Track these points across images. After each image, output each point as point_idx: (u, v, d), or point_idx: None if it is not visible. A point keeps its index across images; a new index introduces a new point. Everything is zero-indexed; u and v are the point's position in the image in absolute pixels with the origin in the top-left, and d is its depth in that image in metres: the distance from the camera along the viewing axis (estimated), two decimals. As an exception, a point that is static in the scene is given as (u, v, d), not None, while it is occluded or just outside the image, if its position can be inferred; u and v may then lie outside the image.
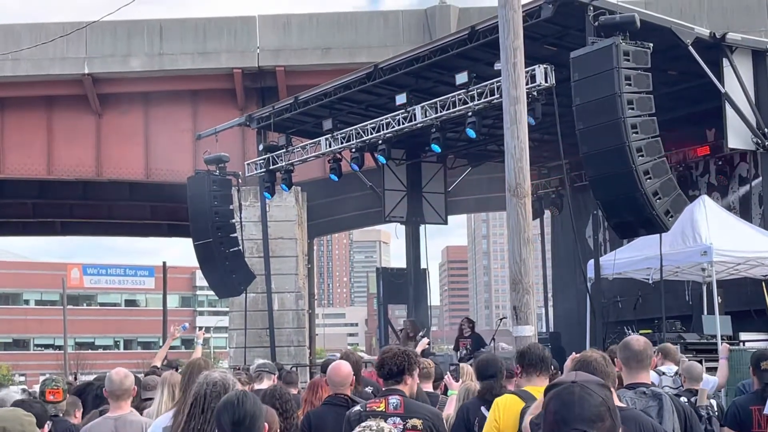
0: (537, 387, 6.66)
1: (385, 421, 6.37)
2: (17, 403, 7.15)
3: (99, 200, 41.18)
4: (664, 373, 9.83)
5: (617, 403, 5.56)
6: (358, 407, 6.74)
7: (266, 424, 4.55)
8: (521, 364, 6.83)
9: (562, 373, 6.65)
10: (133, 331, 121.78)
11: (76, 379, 18.46)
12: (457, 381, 9.50)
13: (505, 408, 6.56)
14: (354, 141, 24.02)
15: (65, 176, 35.53)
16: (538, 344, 7.07)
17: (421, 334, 21.88)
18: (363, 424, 4.21)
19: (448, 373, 10.82)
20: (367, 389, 9.24)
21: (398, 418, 6.39)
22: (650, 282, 20.15)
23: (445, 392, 10.78)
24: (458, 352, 23.19)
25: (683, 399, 8.06)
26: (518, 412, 6.34)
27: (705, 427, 8.44)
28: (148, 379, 8.92)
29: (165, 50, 33.48)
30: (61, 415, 7.90)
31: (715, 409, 8.85)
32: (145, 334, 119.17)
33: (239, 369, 10.56)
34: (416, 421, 6.38)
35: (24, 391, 17.87)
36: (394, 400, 6.58)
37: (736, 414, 8.13)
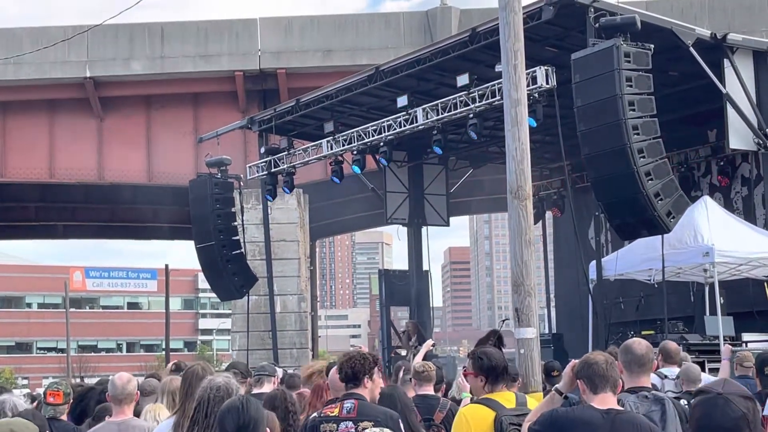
0: (502, 393, 6.54)
1: (338, 426, 6.41)
2: (20, 414, 7.19)
3: (101, 203, 41.21)
4: (666, 377, 9.80)
5: (616, 406, 5.59)
6: (315, 413, 6.77)
7: (268, 429, 4.55)
8: (484, 375, 6.60)
9: (559, 377, 6.60)
10: (136, 333, 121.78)
11: (83, 380, 18.47)
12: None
13: (473, 417, 6.43)
14: (355, 143, 24.03)
15: (67, 179, 35.57)
16: (497, 351, 6.89)
17: (416, 336, 21.88)
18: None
19: (461, 375, 10.79)
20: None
21: (350, 422, 6.44)
22: (652, 283, 20.14)
23: (445, 394, 10.76)
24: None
25: (683, 401, 8.06)
26: (489, 422, 6.26)
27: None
28: (145, 384, 8.90)
29: (166, 53, 33.52)
30: (60, 417, 7.91)
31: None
32: (148, 336, 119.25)
33: (235, 368, 10.48)
34: (367, 424, 6.36)
35: (28, 395, 17.85)
36: (348, 404, 6.60)
37: (739, 416, 8.12)
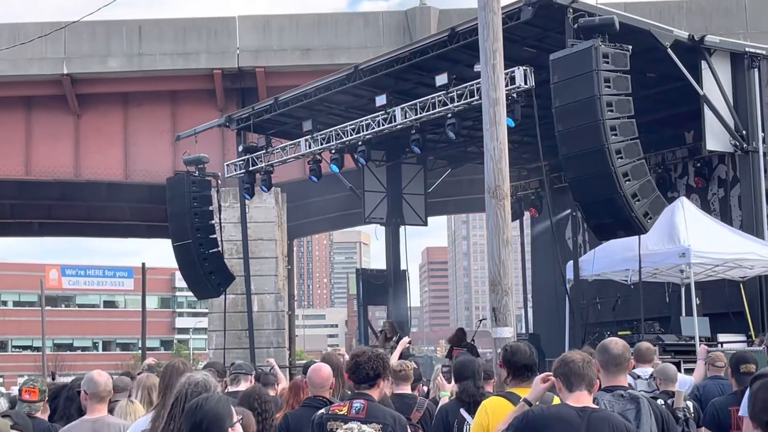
0: (523, 389, 6.61)
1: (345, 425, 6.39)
2: (4, 415, 7.15)
3: (77, 201, 40.99)
4: (639, 377, 9.84)
5: (591, 404, 5.60)
6: (322, 410, 6.74)
7: (237, 427, 4.51)
8: (508, 368, 6.79)
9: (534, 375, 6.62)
10: (112, 332, 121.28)
11: (54, 378, 18.30)
12: (450, 382, 9.48)
13: (493, 411, 6.54)
14: (334, 142, 24.00)
15: (44, 177, 35.37)
16: (525, 347, 7.01)
17: (397, 336, 21.86)
18: (345, 426, 4.17)
19: (440, 374, 10.80)
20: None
21: (358, 423, 6.41)
22: (629, 283, 20.21)
23: (427, 395, 10.77)
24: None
25: (660, 401, 8.08)
26: (507, 414, 6.31)
27: (682, 429, 8.45)
28: (118, 380, 8.87)
29: (144, 51, 33.38)
30: (36, 414, 7.86)
31: (692, 410, 8.87)
32: (124, 335, 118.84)
33: (211, 366, 10.45)
34: (375, 425, 6.35)
35: (6, 395, 17.71)
36: (357, 404, 6.59)
37: (715, 415, 8.17)
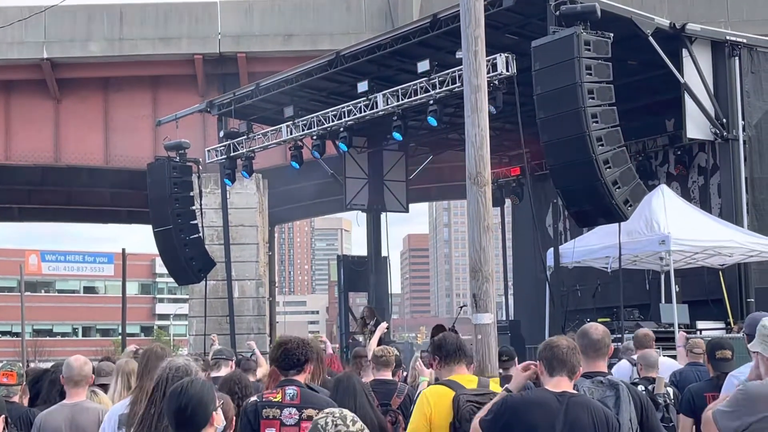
0: (462, 375, 6.67)
1: (281, 412, 6.39)
2: None
3: (57, 186, 40.83)
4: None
5: (570, 390, 5.62)
6: (254, 397, 6.74)
7: (219, 412, 4.50)
8: (438, 356, 6.78)
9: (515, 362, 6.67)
10: (92, 318, 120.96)
11: (28, 366, 18.20)
12: (429, 368, 9.50)
13: (435, 400, 6.52)
14: (315, 128, 23.97)
15: (23, 162, 35.20)
16: (452, 334, 7.06)
17: (374, 321, 21.85)
18: (325, 410, 4.15)
19: (419, 359, 10.82)
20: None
21: (294, 409, 6.42)
22: (609, 271, 20.29)
23: (405, 381, 10.79)
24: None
25: (641, 387, 8.12)
26: (449, 401, 6.34)
27: (662, 415, 8.51)
28: (103, 365, 8.88)
29: (125, 35, 33.22)
30: (13, 398, 7.83)
31: (672, 396, 8.92)
32: (104, 321, 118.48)
33: (197, 356, 10.49)
34: (312, 411, 6.37)
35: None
36: (290, 390, 6.58)
37: (691, 401, 8.21)
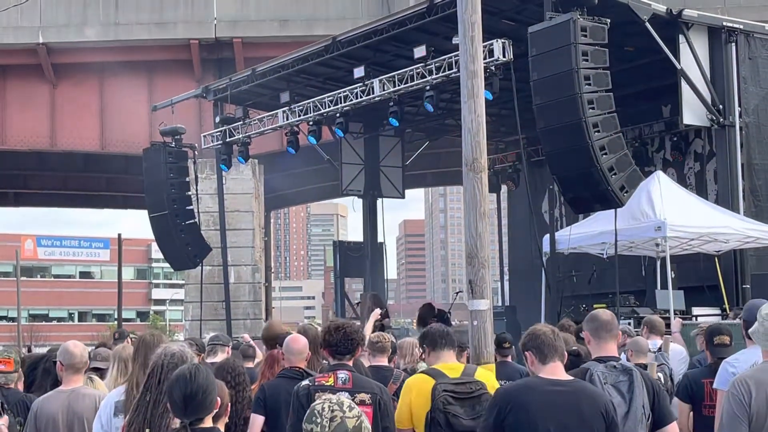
0: (448, 363, 6.73)
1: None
2: None
3: (53, 171, 40.78)
4: (649, 350, 9.88)
5: (565, 376, 5.62)
6: (306, 381, 6.76)
7: (218, 398, 4.52)
8: (425, 346, 6.90)
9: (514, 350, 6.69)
10: (88, 303, 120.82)
11: (30, 351, 18.20)
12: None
13: (416, 388, 6.60)
14: (311, 114, 23.94)
15: (19, 147, 35.12)
16: (439, 324, 7.17)
17: (381, 311, 21.79)
18: (323, 396, 4.18)
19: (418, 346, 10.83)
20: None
21: (347, 393, 6.41)
22: (605, 257, 20.30)
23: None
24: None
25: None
26: (429, 390, 6.39)
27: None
28: (100, 350, 8.86)
29: (121, 20, 33.11)
30: (11, 385, 7.82)
31: (663, 382, 8.93)
32: (100, 306, 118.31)
33: (191, 340, 10.46)
34: (364, 396, 6.41)
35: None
36: (342, 374, 6.62)
37: (688, 386, 8.21)
